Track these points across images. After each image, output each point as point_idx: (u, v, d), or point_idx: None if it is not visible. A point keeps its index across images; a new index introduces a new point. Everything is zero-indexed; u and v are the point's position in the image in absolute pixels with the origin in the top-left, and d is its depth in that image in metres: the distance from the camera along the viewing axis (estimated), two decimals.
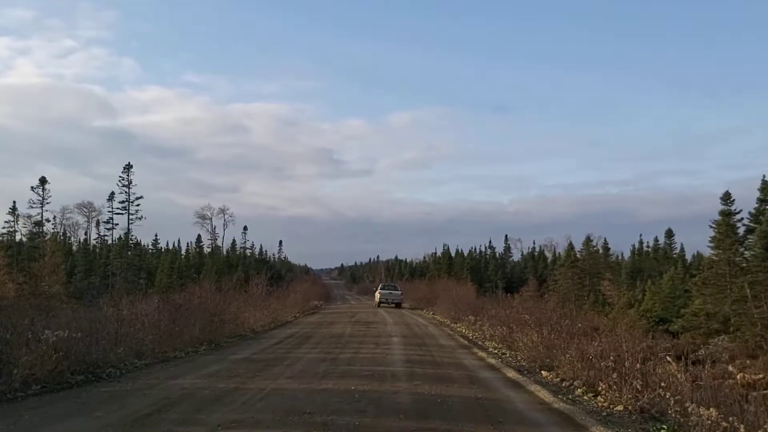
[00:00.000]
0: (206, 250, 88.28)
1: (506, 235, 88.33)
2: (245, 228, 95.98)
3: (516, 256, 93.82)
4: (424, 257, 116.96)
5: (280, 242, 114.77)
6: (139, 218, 47.76)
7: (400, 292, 46.02)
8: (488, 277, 75.74)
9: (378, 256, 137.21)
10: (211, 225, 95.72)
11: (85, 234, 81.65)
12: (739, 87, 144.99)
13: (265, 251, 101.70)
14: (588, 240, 57.01)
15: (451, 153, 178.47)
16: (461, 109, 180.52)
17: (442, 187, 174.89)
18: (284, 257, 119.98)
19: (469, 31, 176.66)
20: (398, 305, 42.92)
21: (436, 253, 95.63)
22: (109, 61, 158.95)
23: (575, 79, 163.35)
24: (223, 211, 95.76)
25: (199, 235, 79.36)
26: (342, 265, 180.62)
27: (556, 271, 56.24)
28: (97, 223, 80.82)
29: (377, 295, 45.97)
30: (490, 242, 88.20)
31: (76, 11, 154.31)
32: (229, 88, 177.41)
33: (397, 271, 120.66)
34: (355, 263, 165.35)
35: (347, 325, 25.82)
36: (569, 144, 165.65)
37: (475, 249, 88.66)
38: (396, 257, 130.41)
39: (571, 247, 59.22)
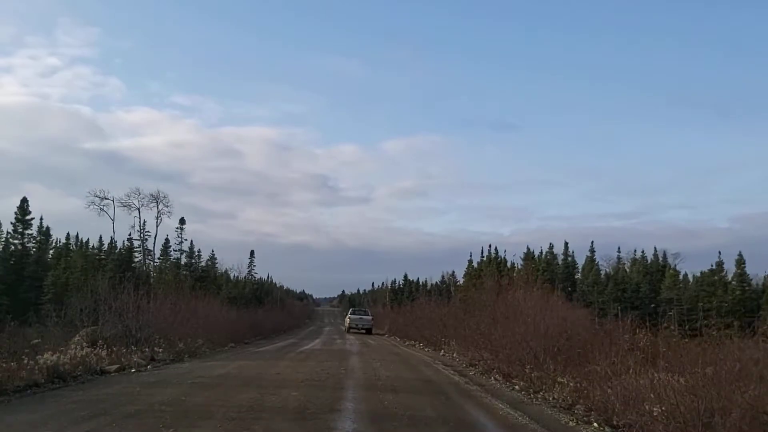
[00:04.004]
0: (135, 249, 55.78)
1: (566, 242, 54.16)
2: (181, 221, 62.28)
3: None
4: (443, 276, 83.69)
5: (252, 253, 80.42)
6: None
7: (370, 317, 45.22)
8: (581, 295, 41.25)
9: (383, 283, 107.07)
10: (140, 219, 62.51)
11: None
12: (754, 108, 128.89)
13: (215, 260, 67.75)
14: None
15: (449, 182, 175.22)
16: (457, 135, 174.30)
17: (442, 217, 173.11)
18: (265, 278, 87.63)
19: (462, 45, 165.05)
20: (368, 331, 42.19)
21: (471, 262, 61.35)
22: (94, 80, 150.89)
23: (576, 101, 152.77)
24: (156, 199, 62.56)
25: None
26: (343, 292, 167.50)
27: None
28: None
29: (347, 320, 45.66)
30: (551, 247, 54.11)
31: (56, 27, 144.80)
32: (218, 110, 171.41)
33: (406, 295, 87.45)
34: (358, 290, 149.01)
35: None
36: (569, 174, 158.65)
37: (538, 252, 54.49)
38: (405, 276, 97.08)
39: None
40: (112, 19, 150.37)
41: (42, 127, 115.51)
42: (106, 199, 60.29)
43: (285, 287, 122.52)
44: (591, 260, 50.59)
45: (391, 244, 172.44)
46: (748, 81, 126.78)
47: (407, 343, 29.53)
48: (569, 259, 53.51)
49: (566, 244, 55.46)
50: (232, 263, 78.40)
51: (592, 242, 57.38)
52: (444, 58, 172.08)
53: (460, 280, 61.78)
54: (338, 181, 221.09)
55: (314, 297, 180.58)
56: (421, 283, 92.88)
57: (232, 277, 74.02)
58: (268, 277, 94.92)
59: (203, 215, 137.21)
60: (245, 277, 77.79)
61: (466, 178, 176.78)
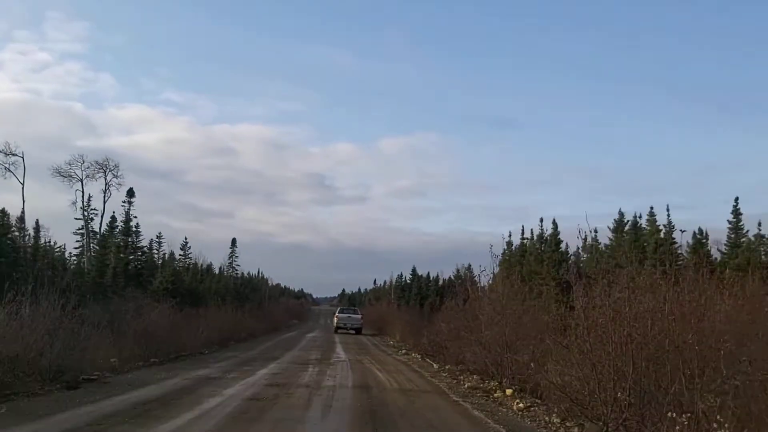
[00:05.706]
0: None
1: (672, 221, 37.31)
2: (130, 193, 45.77)
3: None
4: (458, 270, 67.33)
5: (233, 241, 64.54)
6: None
7: (359, 317, 43.96)
8: None
9: (385, 281, 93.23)
10: (82, 193, 46.26)
11: None
12: (756, 107, 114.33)
13: (189, 249, 51.81)
14: None
15: (447, 181, 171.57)
16: (456, 134, 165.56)
17: (440, 217, 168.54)
18: (255, 273, 73.46)
19: (461, 41, 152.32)
20: (358, 331, 41.49)
21: (511, 244, 45.51)
22: (86, 76, 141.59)
23: (576, 100, 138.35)
24: (104, 168, 46.16)
25: None
26: (343, 290, 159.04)
27: None
28: None
29: (335, 319, 44.14)
30: (651, 213, 38.22)
31: (45, 21, 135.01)
32: (212, 108, 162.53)
33: (414, 292, 72.17)
34: (359, 289, 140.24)
35: None
36: (570, 174, 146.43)
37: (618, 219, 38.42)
38: (414, 269, 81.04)
39: None
40: (102, 14, 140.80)
41: (36, 124, 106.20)
42: (13, 155, 44.26)
43: (282, 285, 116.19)
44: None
45: (390, 244, 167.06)
46: (749, 79, 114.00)
47: (468, 384, 14.05)
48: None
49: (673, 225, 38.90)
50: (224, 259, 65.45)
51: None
52: (443, 55, 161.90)
53: (478, 274, 46.02)
54: (335, 180, 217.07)
55: (314, 296, 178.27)
56: (431, 278, 77.24)
57: (216, 273, 59.20)
58: (258, 272, 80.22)
59: (200, 214, 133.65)
60: (223, 269, 62.13)
61: (464, 177, 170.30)
